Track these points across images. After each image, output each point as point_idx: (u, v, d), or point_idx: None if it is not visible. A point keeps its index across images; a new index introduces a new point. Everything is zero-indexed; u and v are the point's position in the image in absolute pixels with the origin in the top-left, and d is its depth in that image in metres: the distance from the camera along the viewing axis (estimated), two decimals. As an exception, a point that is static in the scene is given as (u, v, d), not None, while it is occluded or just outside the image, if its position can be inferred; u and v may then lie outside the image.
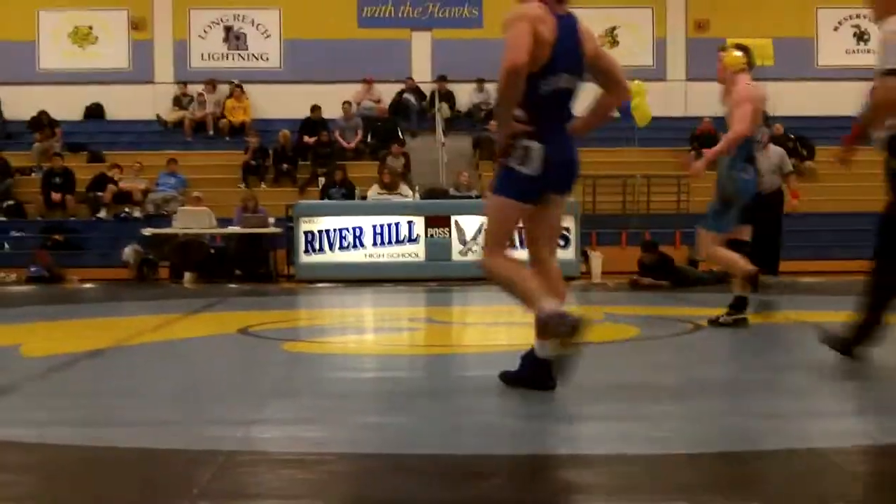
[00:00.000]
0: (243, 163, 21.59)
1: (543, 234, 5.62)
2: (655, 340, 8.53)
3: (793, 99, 23.85)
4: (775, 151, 13.79)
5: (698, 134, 22.83)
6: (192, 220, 18.01)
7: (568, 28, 5.44)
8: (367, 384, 6.33)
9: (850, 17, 24.75)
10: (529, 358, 5.56)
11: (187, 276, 17.54)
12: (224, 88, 23.72)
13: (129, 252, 18.20)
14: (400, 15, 24.36)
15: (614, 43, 24.49)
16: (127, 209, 20.36)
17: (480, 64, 23.77)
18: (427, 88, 23.93)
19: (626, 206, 19.92)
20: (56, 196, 20.45)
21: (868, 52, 24.69)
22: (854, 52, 24.76)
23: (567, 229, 17.02)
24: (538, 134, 5.37)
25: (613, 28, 24.47)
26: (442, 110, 22.77)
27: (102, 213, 20.43)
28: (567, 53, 5.42)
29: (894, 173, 6.20)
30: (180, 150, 22.44)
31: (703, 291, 14.15)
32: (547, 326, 5.22)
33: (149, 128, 23.84)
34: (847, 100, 24.27)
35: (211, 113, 23.45)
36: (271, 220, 18.22)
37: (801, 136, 21.89)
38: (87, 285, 17.24)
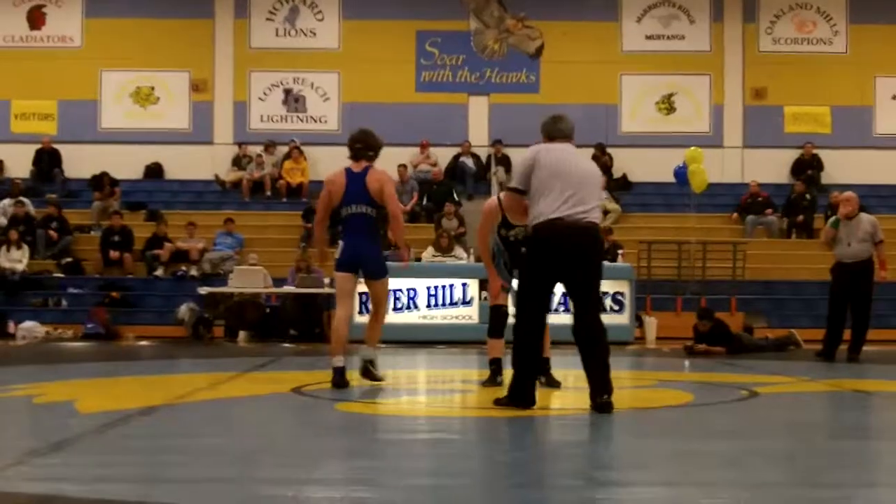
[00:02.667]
0: (309, 226, 21.57)
1: (371, 299, 9.70)
2: (710, 407, 8.43)
3: (850, 167, 23.73)
4: (867, 219, 13.51)
5: (746, 200, 22.73)
6: (247, 280, 18.12)
7: (356, 178, 9.24)
8: (419, 446, 6.30)
9: (909, 86, 24.61)
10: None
11: (242, 335, 17.62)
12: (282, 150, 23.96)
13: (184, 310, 18.33)
14: (457, 80, 24.55)
15: (671, 109, 24.52)
16: (184, 268, 20.54)
17: (537, 129, 23.83)
18: (483, 152, 24.05)
19: (681, 272, 19.80)
20: (114, 254, 20.68)
21: (927, 120, 24.58)
22: (912, 120, 24.60)
23: (621, 293, 16.95)
24: (344, 238, 9.37)
25: (671, 95, 24.50)
26: (498, 174, 22.84)
27: (159, 272, 20.62)
28: (353, 194, 9.18)
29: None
30: (238, 210, 22.66)
31: (759, 358, 14.00)
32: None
33: (207, 188, 24.11)
34: (906, 168, 24.19)
35: (269, 174, 23.68)
36: (326, 280, 18.29)
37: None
38: (143, 343, 17.38)
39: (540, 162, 7.63)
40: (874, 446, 6.28)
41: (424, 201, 22.89)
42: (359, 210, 9.19)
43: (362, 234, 9.23)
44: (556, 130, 7.94)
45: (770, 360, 13.66)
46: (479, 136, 24.29)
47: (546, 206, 7.45)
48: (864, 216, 13.59)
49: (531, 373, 7.59)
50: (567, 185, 7.49)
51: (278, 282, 18.41)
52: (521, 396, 7.46)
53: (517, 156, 23.72)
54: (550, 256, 7.44)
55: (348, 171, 9.34)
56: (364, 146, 9.46)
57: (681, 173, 19.88)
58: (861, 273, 13.29)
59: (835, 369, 12.29)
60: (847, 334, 13.54)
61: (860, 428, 7.43)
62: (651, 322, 17.72)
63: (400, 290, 16.98)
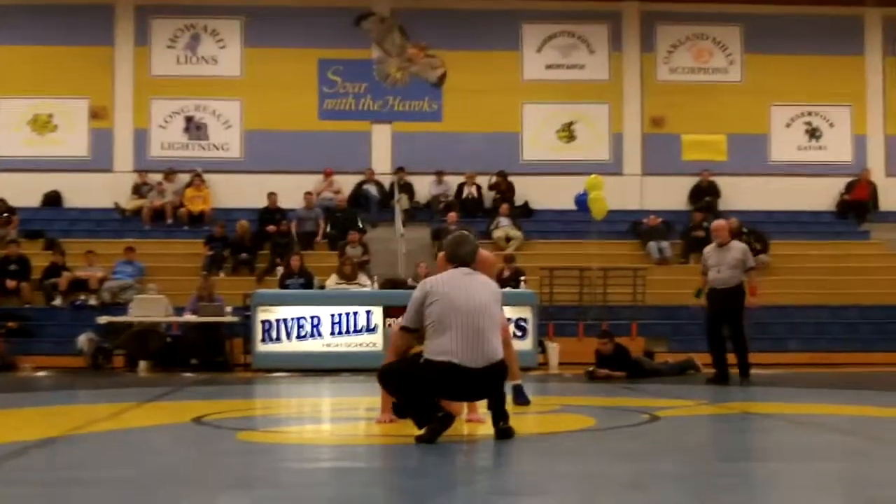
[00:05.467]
0: (211, 254, 21.45)
1: None
2: (612, 431, 8.53)
3: (747, 193, 24.26)
4: (738, 247, 13.92)
5: (646, 229, 23.06)
6: (148, 309, 17.91)
7: None
8: (322, 474, 6.28)
9: (802, 115, 25.24)
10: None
11: (142, 364, 17.40)
12: (184, 178, 23.77)
13: (83, 340, 18.03)
14: (360, 108, 24.61)
15: (572, 137, 24.82)
16: (83, 297, 20.21)
17: (439, 156, 24.06)
18: (387, 180, 24.10)
19: (582, 298, 20.03)
20: (11, 283, 20.29)
21: (819, 148, 25.21)
22: (806, 148, 25.22)
23: (524, 320, 17.07)
24: None
25: (571, 123, 24.81)
26: (401, 201, 22.90)
27: (58, 301, 20.27)
28: None
29: None
30: (138, 238, 22.38)
31: (659, 382, 14.20)
32: None
33: (107, 216, 23.79)
34: (799, 194, 24.80)
35: (170, 202, 23.46)
36: (228, 308, 18.16)
37: (754, 230, 22.18)
38: (41, 373, 17.05)
39: (433, 295, 7.42)
40: (769, 467, 6.41)
41: (328, 228, 22.85)
42: None
43: None
44: (455, 255, 7.66)
45: (670, 384, 13.87)
46: (382, 163, 24.36)
47: (446, 343, 7.31)
48: (735, 244, 14.02)
49: (417, 396, 7.55)
50: (465, 318, 7.32)
51: (180, 310, 18.21)
52: (425, 416, 7.44)
53: (421, 183, 24.02)
54: (454, 392, 7.52)
55: None
56: None
57: (581, 200, 20.14)
58: (731, 298, 13.67)
59: (730, 392, 12.52)
60: (733, 359, 13.89)
61: (755, 449, 7.58)
62: (554, 347, 17.88)
63: (304, 318, 16.91)
